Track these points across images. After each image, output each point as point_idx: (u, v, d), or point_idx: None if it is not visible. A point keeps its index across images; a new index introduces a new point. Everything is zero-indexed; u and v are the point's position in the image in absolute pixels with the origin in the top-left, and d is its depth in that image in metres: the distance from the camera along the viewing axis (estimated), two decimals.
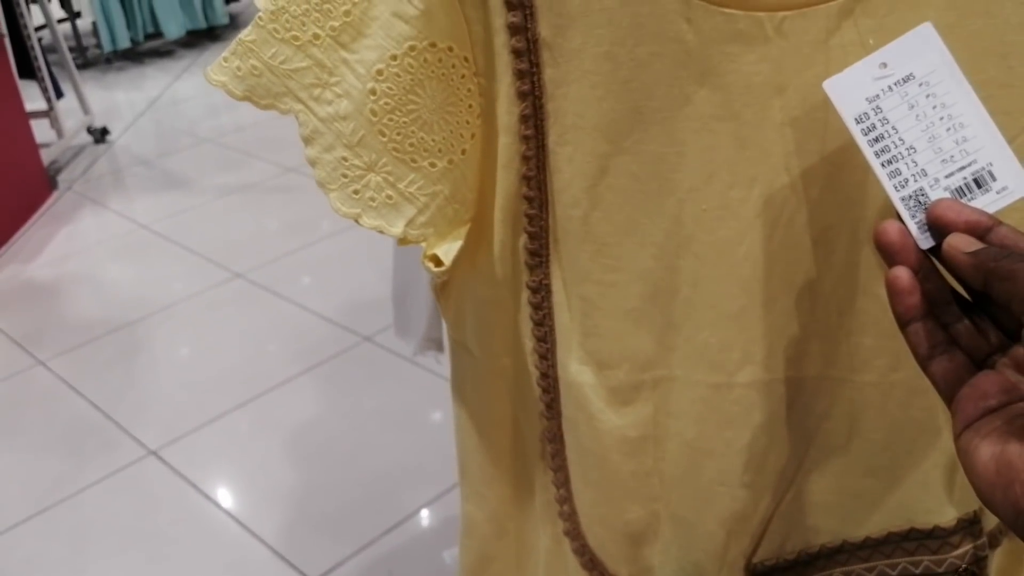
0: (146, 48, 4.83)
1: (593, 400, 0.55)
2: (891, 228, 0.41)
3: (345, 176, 0.49)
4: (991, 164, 0.41)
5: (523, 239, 0.53)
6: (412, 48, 0.47)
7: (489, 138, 0.51)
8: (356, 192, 0.49)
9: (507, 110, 0.49)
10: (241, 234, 2.83)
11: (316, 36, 0.47)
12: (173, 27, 4.56)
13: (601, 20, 0.46)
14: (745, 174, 0.49)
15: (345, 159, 0.49)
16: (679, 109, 0.48)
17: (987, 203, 0.41)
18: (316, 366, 2.12)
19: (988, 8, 0.45)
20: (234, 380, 2.09)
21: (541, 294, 0.54)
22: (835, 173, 0.49)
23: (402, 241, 0.51)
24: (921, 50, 0.42)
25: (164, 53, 4.87)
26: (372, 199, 0.49)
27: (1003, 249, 0.38)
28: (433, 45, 0.47)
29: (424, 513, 1.67)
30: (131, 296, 2.52)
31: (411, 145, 0.49)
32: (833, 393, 0.55)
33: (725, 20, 0.46)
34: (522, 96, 0.49)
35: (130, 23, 4.45)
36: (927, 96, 0.42)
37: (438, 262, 0.51)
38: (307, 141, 0.49)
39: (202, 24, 4.65)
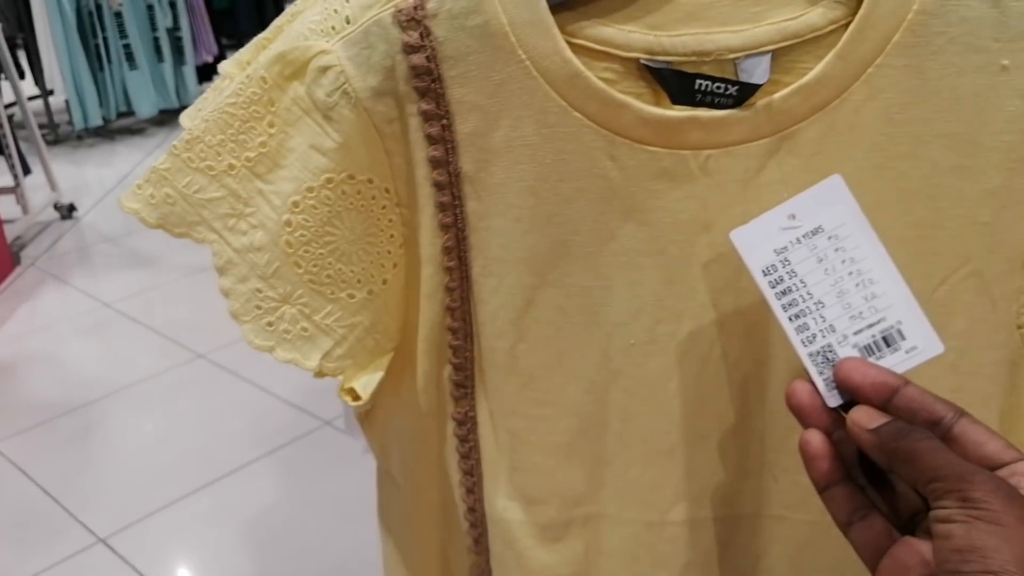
0: (118, 125, 4.84)
1: (521, 537, 0.52)
2: (800, 389, 0.40)
3: (259, 308, 0.47)
4: (900, 322, 0.40)
5: (448, 370, 0.51)
6: (329, 180, 0.46)
7: (413, 267, 0.49)
8: (270, 324, 0.47)
9: (430, 241, 0.48)
10: (205, 314, 2.79)
11: (231, 166, 0.46)
12: (146, 106, 4.57)
13: (524, 156, 0.45)
14: (672, 309, 0.48)
15: (259, 291, 0.47)
16: (605, 244, 0.47)
17: (896, 363, 0.40)
18: (275, 450, 2.07)
19: (914, 151, 0.44)
20: (190, 464, 2.03)
21: (467, 426, 0.52)
22: (764, 310, 0.47)
23: (318, 374, 0.49)
24: (830, 202, 0.41)
25: (136, 131, 4.87)
26: (287, 332, 0.48)
27: (907, 418, 0.37)
28: (352, 177, 0.46)
29: None
30: (90, 376, 2.46)
31: (328, 277, 0.47)
32: (771, 531, 0.52)
33: (649, 158, 0.45)
34: (444, 228, 0.47)
35: (103, 101, 4.45)
36: (836, 250, 0.41)
37: (355, 396, 0.49)
38: (221, 272, 0.47)
39: (174, 103, 4.67)
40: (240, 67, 0.50)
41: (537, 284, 0.48)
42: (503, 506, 0.53)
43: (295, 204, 0.46)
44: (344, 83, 0.44)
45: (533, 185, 0.46)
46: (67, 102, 4.45)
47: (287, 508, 1.89)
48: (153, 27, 4.49)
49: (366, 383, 0.50)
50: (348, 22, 0.45)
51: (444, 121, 0.45)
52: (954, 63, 0.43)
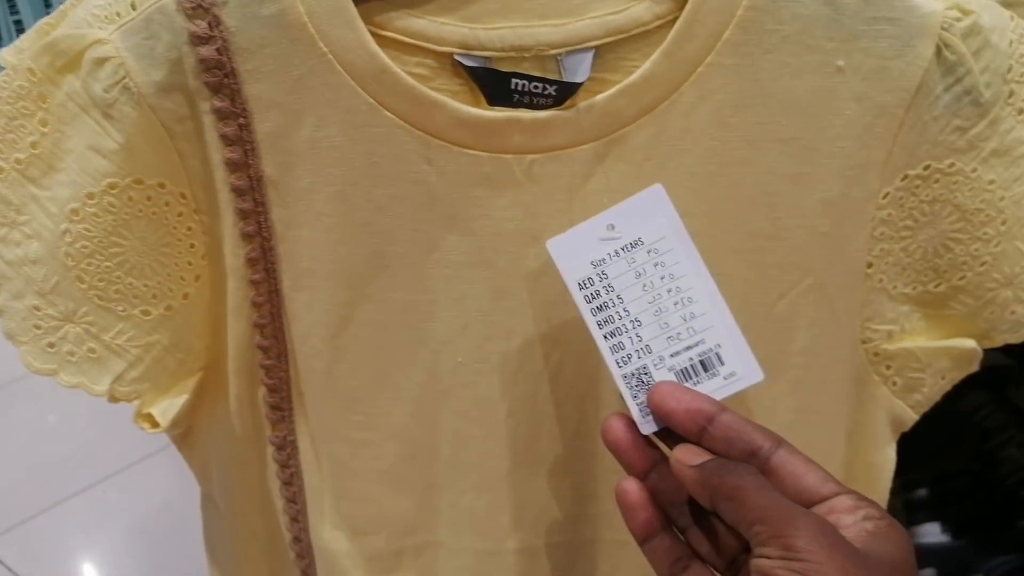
0: None
1: (350, 569, 0.49)
2: (615, 424, 0.37)
3: (38, 328, 0.42)
4: (719, 346, 0.37)
5: (262, 391, 0.47)
6: (112, 186, 0.41)
7: (219, 280, 0.45)
8: (51, 345, 0.42)
9: (232, 252, 0.43)
10: None
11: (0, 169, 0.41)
12: None
13: (331, 158, 0.41)
14: (502, 325, 0.44)
15: (37, 308, 0.42)
16: (427, 255, 0.43)
17: (713, 389, 0.37)
18: (165, 447, 1.97)
19: (750, 157, 0.42)
20: (78, 462, 1.94)
21: (287, 451, 0.48)
22: (587, 328, 0.44)
23: (111, 399, 0.44)
24: (651, 213, 0.38)
25: None
26: (71, 353, 0.43)
27: (724, 448, 0.35)
28: (139, 182, 0.41)
29: None
30: None
31: (117, 292, 0.42)
32: (614, 557, 0.50)
33: (469, 162, 0.41)
34: (247, 237, 0.43)
35: None
36: (655, 265, 0.38)
37: (153, 423, 0.45)
38: None
39: None
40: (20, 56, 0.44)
41: (354, 299, 0.44)
42: (329, 536, 0.49)
43: (74, 212, 0.41)
44: (124, 77, 0.39)
45: (343, 191, 0.42)
46: None
47: (179, 506, 1.81)
48: None
49: (166, 408, 0.45)
50: (134, 7, 0.40)
51: (241, 120, 0.41)
52: (788, 63, 0.40)
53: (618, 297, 0.38)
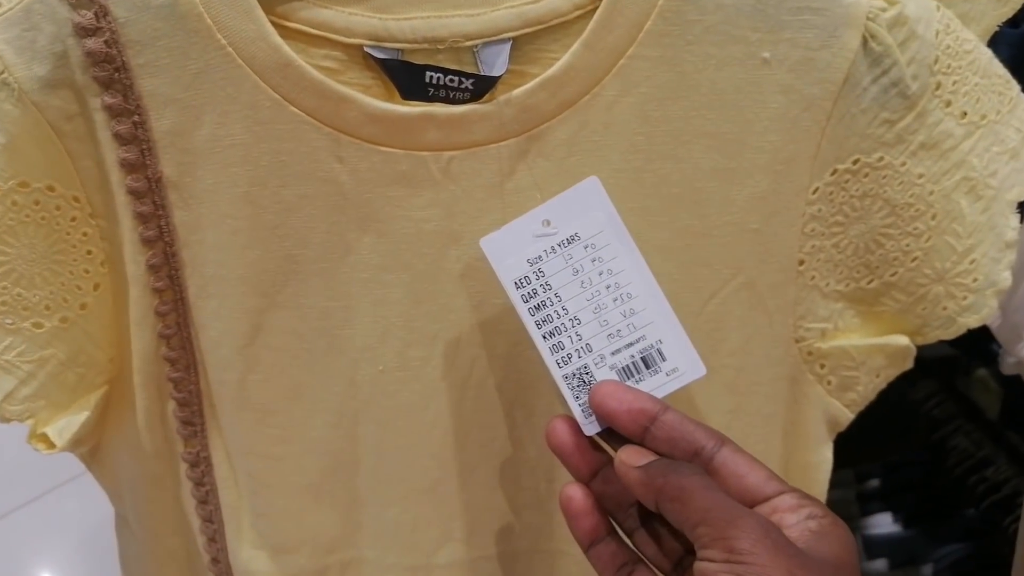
0: None
1: None
2: (560, 427, 0.36)
3: None
4: (661, 342, 0.36)
5: (171, 405, 0.44)
6: None
7: (121, 288, 0.42)
8: None
9: (132, 258, 0.41)
10: None
11: None
12: None
13: (234, 157, 0.39)
14: (424, 331, 0.42)
15: None
16: (342, 259, 0.41)
17: (656, 386, 0.36)
18: None
19: (676, 152, 0.40)
20: (28, 472, 1.87)
21: (201, 468, 0.45)
22: (526, 328, 0.42)
23: (1, 419, 0.41)
24: (587, 207, 0.36)
25: None
26: None
27: (667, 447, 0.34)
28: (24, 185, 0.38)
29: None
30: None
31: (3, 303, 0.40)
32: (550, 568, 0.48)
33: (383, 160, 0.39)
34: (148, 243, 0.40)
35: None
36: (593, 260, 0.36)
37: (49, 443, 0.42)
38: None
39: None
40: None
41: (265, 306, 0.41)
42: (248, 556, 0.46)
43: None
44: (3, 71, 0.36)
45: (249, 191, 0.39)
46: None
47: None
48: None
49: (64, 427, 0.42)
50: None
51: (136, 117, 0.38)
52: (712, 55, 0.38)
53: (556, 295, 0.36)
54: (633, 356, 0.36)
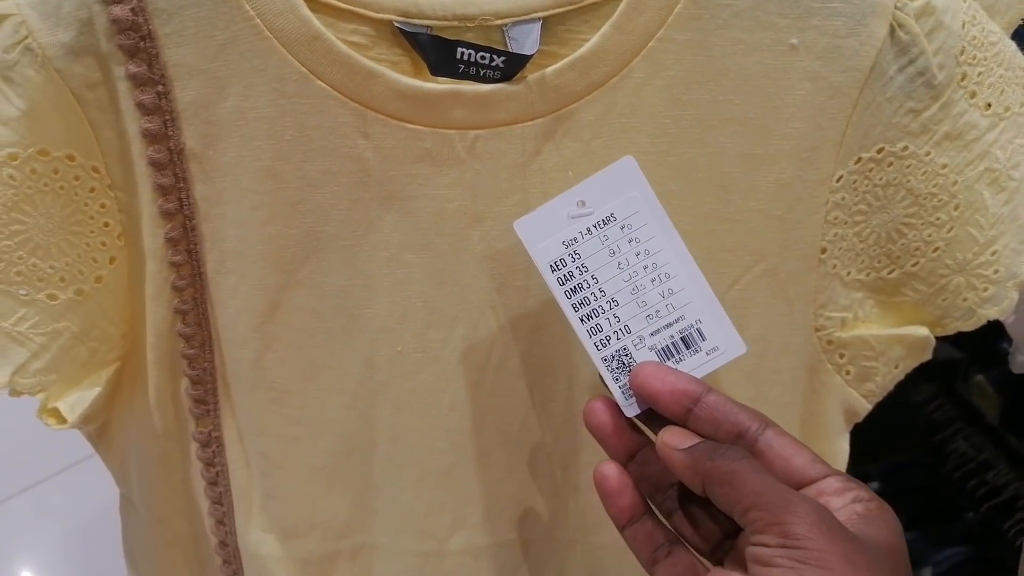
0: None
1: (279, 575, 0.45)
2: (599, 408, 0.35)
3: None
4: (700, 321, 0.36)
5: (185, 383, 0.43)
6: (13, 156, 0.37)
7: (137, 262, 0.42)
8: None
9: (151, 231, 0.40)
10: None
11: None
12: None
13: (259, 131, 0.38)
14: (444, 312, 0.42)
15: None
16: (363, 236, 0.40)
17: (696, 365, 0.36)
18: None
19: (702, 136, 0.40)
20: (16, 463, 1.85)
21: (212, 448, 0.45)
22: (547, 312, 0.42)
23: (12, 392, 0.40)
24: (622, 187, 0.36)
25: None
26: None
27: (710, 429, 0.33)
28: (44, 153, 0.38)
29: None
30: None
31: (18, 274, 0.39)
32: (563, 556, 0.48)
33: (409, 137, 0.39)
34: (167, 215, 0.40)
35: None
36: (630, 241, 0.36)
37: (60, 418, 0.41)
38: None
39: None
40: None
41: (284, 283, 0.41)
42: (257, 539, 0.45)
43: None
44: (27, 37, 0.36)
45: (271, 166, 0.39)
46: None
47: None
48: None
49: (75, 402, 0.41)
50: None
51: (160, 87, 0.38)
52: (741, 40, 0.38)
53: (593, 277, 0.36)
54: (673, 336, 0.36)
